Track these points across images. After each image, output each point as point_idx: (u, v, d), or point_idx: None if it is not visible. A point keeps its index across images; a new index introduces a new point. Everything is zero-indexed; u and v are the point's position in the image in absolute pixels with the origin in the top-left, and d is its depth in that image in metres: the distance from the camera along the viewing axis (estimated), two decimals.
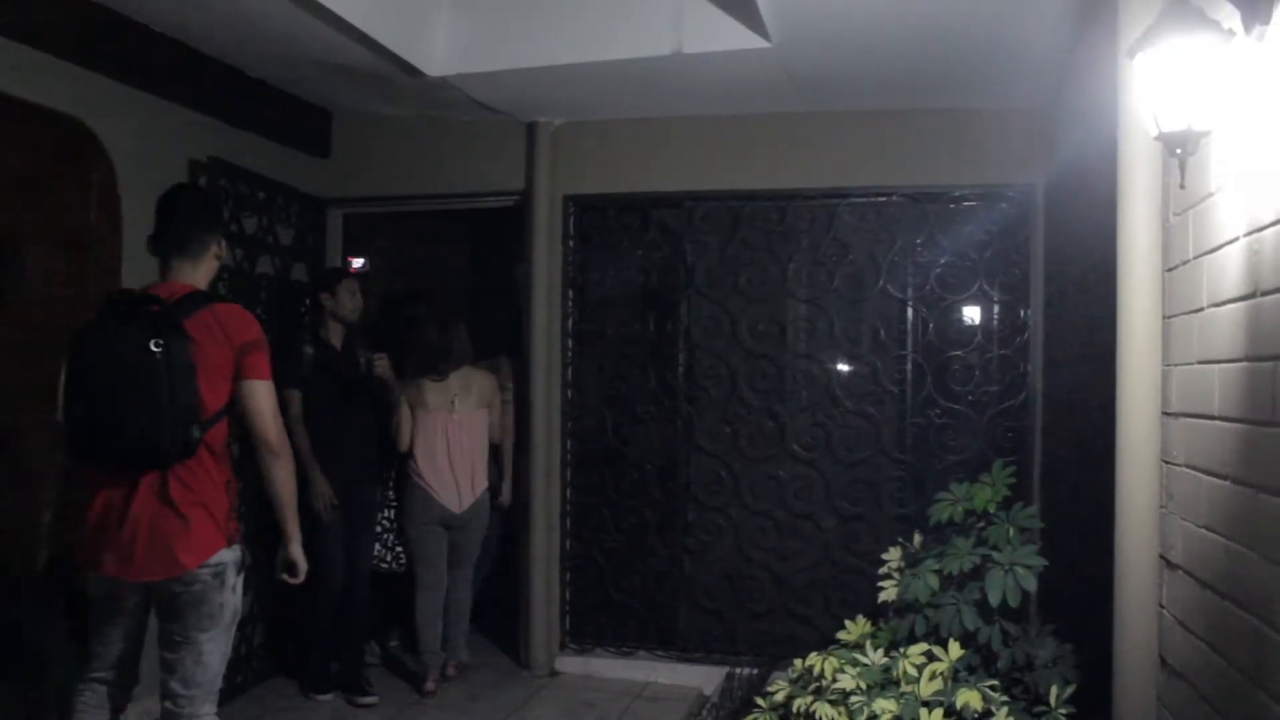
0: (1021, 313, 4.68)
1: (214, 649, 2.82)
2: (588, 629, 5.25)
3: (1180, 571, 2.56)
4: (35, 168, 3.73)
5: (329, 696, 4.67)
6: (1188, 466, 2.52)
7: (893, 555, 3.77)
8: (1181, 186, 2.40)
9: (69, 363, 2.73)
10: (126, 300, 2.81)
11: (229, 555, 2.83)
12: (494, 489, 5.05)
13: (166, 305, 2.78)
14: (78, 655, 2.93)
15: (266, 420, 2.89)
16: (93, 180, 3.97)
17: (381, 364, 4.59)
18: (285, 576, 3.05)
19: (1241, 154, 2.16)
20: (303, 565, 3.04)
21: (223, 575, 2.81)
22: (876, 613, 3.72)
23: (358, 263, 5.67)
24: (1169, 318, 2.68)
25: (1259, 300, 2.04)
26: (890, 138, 4.80)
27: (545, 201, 5.15)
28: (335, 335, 4.71)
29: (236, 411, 2.89)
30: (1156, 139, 2.33)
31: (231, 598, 2.84)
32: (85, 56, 3.78)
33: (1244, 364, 2.13)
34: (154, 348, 2.64)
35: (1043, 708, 2.99)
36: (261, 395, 2.88)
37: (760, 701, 3.42)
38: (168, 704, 2.81)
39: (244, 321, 2.90)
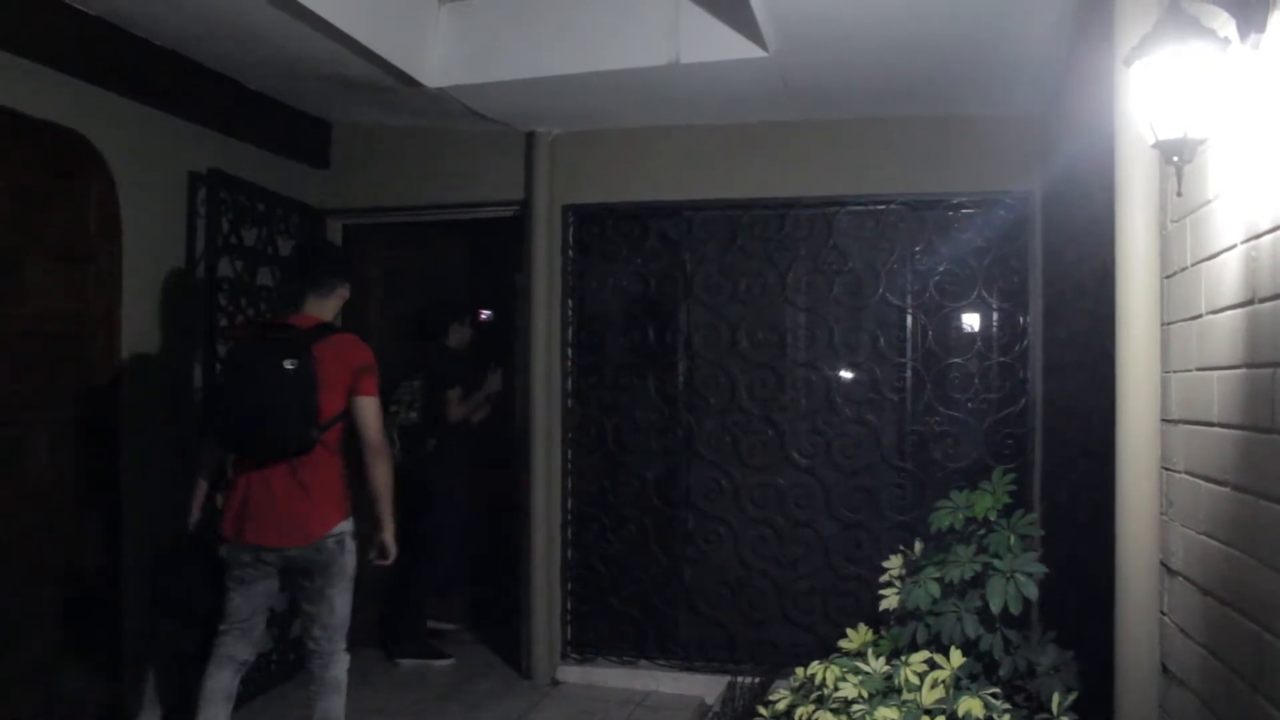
0: (1020, 319, 4.69)
1: (342, 600, 3.57)
2: (589, 638, 5.25)
3: (1181, 578, 2.56)
4: (35, 180, 3.74)
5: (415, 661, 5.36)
6: (1187, 473, 2.52)
7: (893, 563, 3.77)
8: (1179, 194, 2.41)
9: (222, 373, 3.52)
10: (269, 327, 3.60)
11: (346, 526, 3.57)
12: None
13: (300, 332, 3.50)
14: (216, 608, 3.57)
15: (371, 427, 3.59)
16: (92, 192, 3.98)
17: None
18: (376, 559, 3.69)
19: (1238, 161, 2.17)
20: (393, 550, 3.68)
21: (343, 542, 3.54)
22: (878, 620, 3.72)
23: (486, 313, 6.43)
24: (1168, 324, 2.68)
25: (1257, 307, 2.05)
26: (888, 145, 4.81)
27: (544, 211, 5.16)
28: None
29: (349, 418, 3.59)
30: (1153, 146, 2.33)
31: (351, 560, 3.57)
32: (84, 69, 3.80)
33: (1242, 370, 2.13)
34: (287, 365, 3.35)
35: (1045, 715, 2.99)
36: (369, 408, 3.59)
37: (762, 710, 3.41)
38: (310, 644, 3.58)
39: (360, 349, 3.63)
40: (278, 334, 3.51)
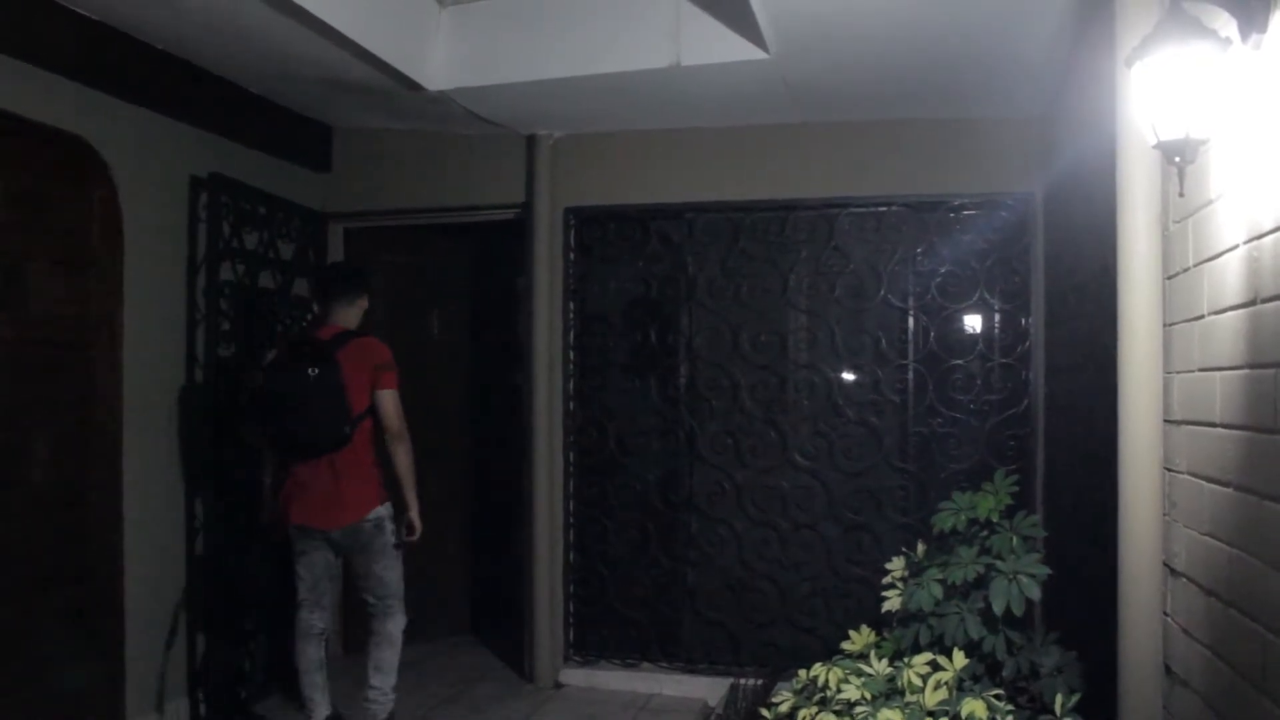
0: (1022, 321, 4.69)
1: (387, 573, 4.10)
2: (591, 641, 5.25)
3: (1184, 579, 2.56)
4: (36, 185, 3.74)
5: None
6: (1190, 474, 2.52)
7: (896, 565, 3.77)
8: (1181, 194, 2.41)
9: (265, 385, 4.00)
10: (299, 341, 4.10)
11: (383, 510, 4.08)
12: None
13: (324, 342, 4.00)
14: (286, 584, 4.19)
15: (392, 417, 4.06)
16: (94, 197, 3.98)
17: None
18: (405, 536, 4.13)
19: (1240, 162, 2.17)
20: (419, 527, 4.15)
21: (380, 524, 4.06)
22: (880, 622, 3.71)
23: None
24: (1170, 325, 2.68)
25: (1259, 307, 2.05)
26: (889, 147, 4.81)
27: (545, 214, 5.17)
28: None
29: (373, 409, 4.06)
30: (1155, 147, 2.33)
31: (390, 538, 4.08)
32: (86, 73, 3.80)
33: (1245, 371, 2.13)
34: (311, 373, 3.89)
35: (1048, 716, 2.98)
36: (388, 400, 4.06)
37: (765, 712, 3.41)
38: (369, 602, 4.14)
39: (378, 349, 4.09)
40: (306, 346, 4.00)
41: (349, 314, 4.17)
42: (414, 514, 4.13)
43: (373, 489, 4.06)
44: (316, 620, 4.12)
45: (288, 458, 4.04)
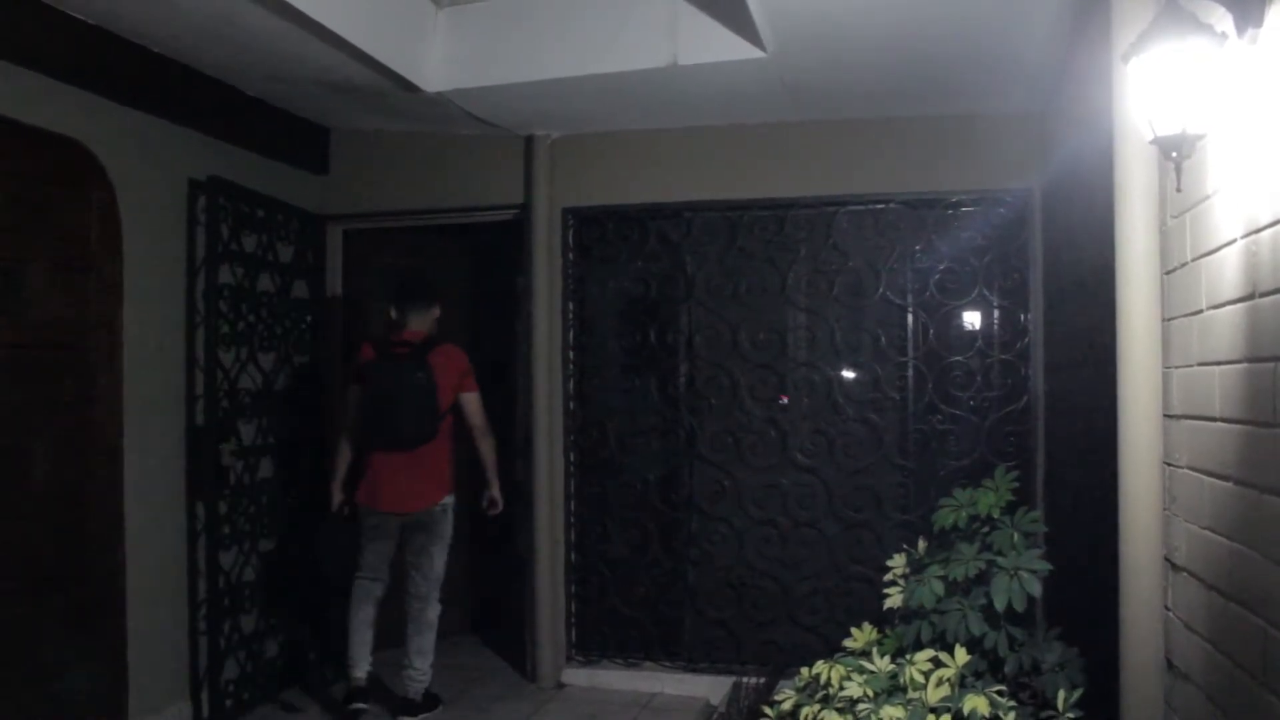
0: (1021, 317, 4.69)
1: (439, 556, 4.62)
2: (593, 641, 5.25)
3: (1185, 573, 2.56)
4: (35, 190, 3.74)
5: None
6: (1190, 468, 2.52)
7: (897, 562, 3.77)
8: (1178, 189, 2.41)
9: (363, 384, 4.50)
10: (390, 344, 4.53)
11: (449, 500, 4.64)
12: None
13: (416, 347, 4.49)
14: (354, 558, 4.60)
15: (477, 415, 4.69)
16: (93, 201, 3.98)
17: None
18: (488, 509, 4.79)
19: (1237, 156, 2.17)
20: (500, 502, 4.79)
21: (446, 510, 4.63)
22: (882, 619, 3.71)
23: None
24: (1168, 320, 2.68)
25: (1257, 301, 2.05)
26: (887, 145, 4.82)
27: (544, 214, 5.17)
28: None
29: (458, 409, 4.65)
30: (1152, 143, 2.34)
31: (449, 526, 4.64)
32: (83, 78, 3.81)
33: (1244, 365, 2.13)
34: (419, 377, 4.42)
35: (1050, 712, 2.99)
36: (473, 401, 4.67)
37: (767, 710, 3.41)
38: (411, 591, 4.61)
39: (462, 356, 4.65)
40: (398, 350, 4.48)
41: (424, 320, 4.63)
42: (495, 490, 4.75)
43: (446, 479, 4.63)
44: (375, 588, 4.59)
45: (380, 449, 4.50)
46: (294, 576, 4.99)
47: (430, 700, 4.65)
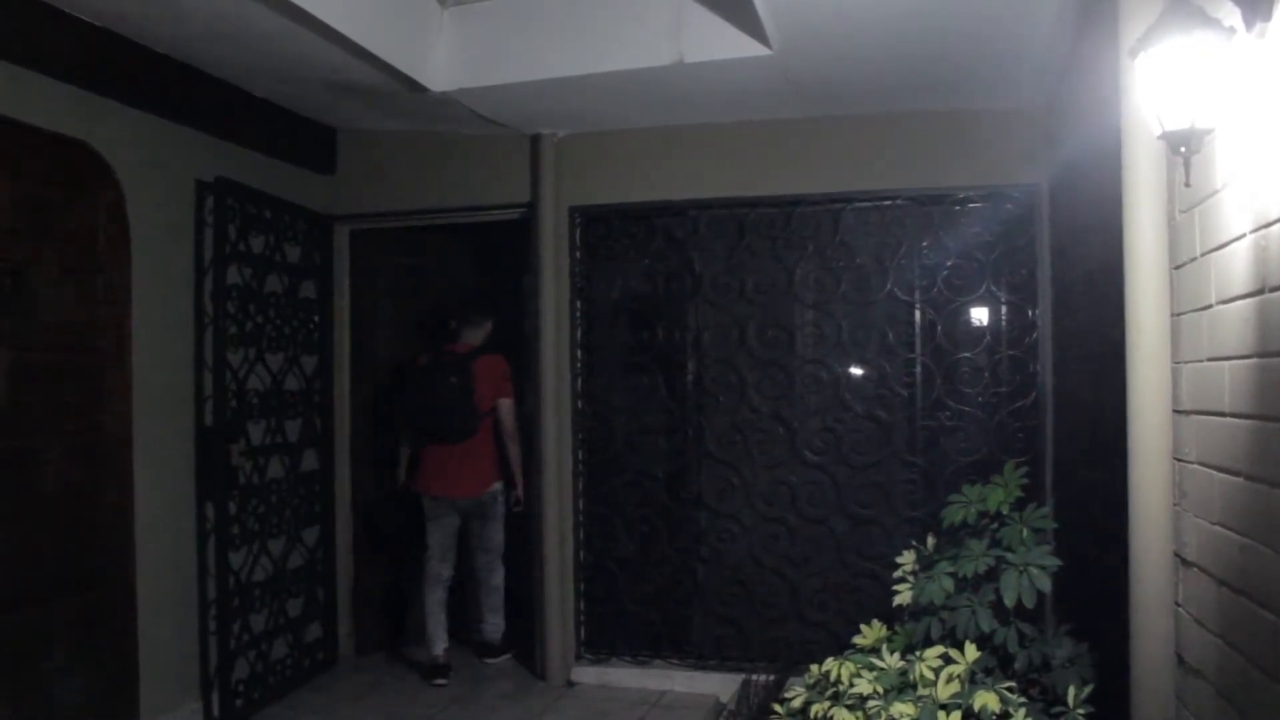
0: (1029, 313, 4.68)
1: (496, 534, 5.40)
2: (603, 639, 5.26)
3: (1195, 569, 2.56)
4: (43, 192, 3.75)
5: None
6: (1200, 463, 2.52)
7: (906, 558, 3.76)
8: (1186, 184, 2.41)
9: (411, 386, 5.21)
10: (441, 354, 5.25)
11: (498, 486, 5.36)
12: None
13: (460, 356, 5.23)
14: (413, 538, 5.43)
15: (508, 419, 5.33)
16: (101, 203, 4.00)
17: None
18: (515, 507, 5.41)
19: (1246, 151, 2.16)
20: (522, 500, 5.40)
21: (495, 496, 5.36)
22: (891, 616, 3.71)
23: None
24: (1177, 315, 2.68)
25: (1267, 296, 2.05)
26: (893, 141, 4.81)
27: (551, 213, 5.17)
28: None
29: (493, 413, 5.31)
30: (1160, 137, 2.33)
31: (501, 508, 5.39)
32: (91, 80, 3.82)
33: (1254, 360, 2.13)
34: (453, 380, 5.13)
35: (1061, 708, 2.98)
36: (506, 406, 5.31)
37: (777, 708, 3.41)
38: (477, 562, 5.42)
39: (502, 365, 5.33)
40: (445, 358, 5.21)
41: (476, 334, 5.38)
42: (520, 491, 5.38)
43: (491, 469, 5.30)
44: (444, 570, 5.27)
45: (428, 442, 5.23)
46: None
47: (506, 644, 5.49)
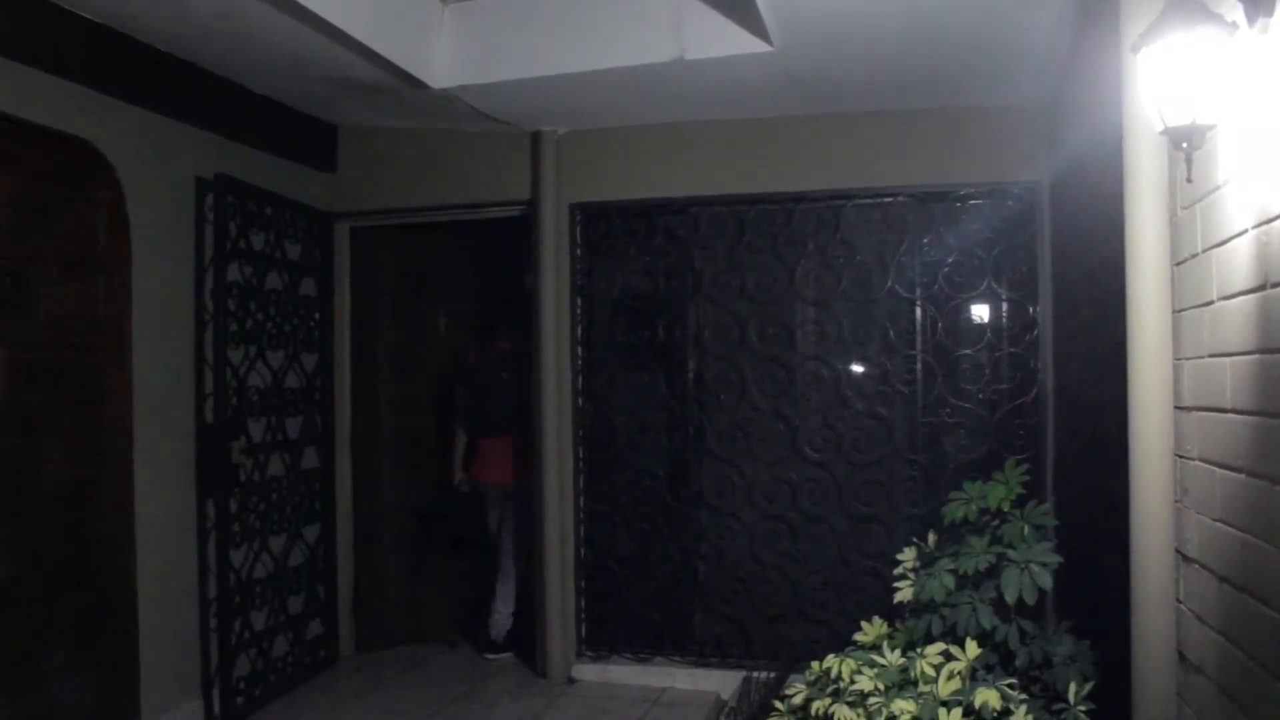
0: (1030, 310, 4.68)
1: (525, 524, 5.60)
2: (604, 636, 5.26)
3: (1196, 565, 2.56)
4: (44, 190, 3.75)
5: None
6: (1201, 460, 2.51)
7: (907, 555, 3.75)
8: (1188, 180, 2.40)
9: (463, 382, 5.72)
10: (487, 353, 5.70)
11: None
12: None
13: (506, 354, 5.66)
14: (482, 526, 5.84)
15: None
16: (102, 200, 4.00)
17: None
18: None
19: (1248, 147, 2.16)
20: None
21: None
22: (892, 613, 3.71)
23: None
24: (1179, 311, 2.67)
25: (1269, 292, 2.04)
26: (894, 138, 4.80)
27: (551, 210, 5.17)
28: None
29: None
30: (1162, 133, 2.33)
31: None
32: (91, 76, 3.81)
33: (1256, 356, 2.12)
34: (503, 375, 5.57)
35: (1062, 705, 2.98)
36: None
37: (778, 705, 3.41)
38: (502, 545, 5.67)
39: None
40: (492, 357, 5.64)
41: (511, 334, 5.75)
42: None
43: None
44: (506, 543, 5.65)
45: (479, 435, 5.68)
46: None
47: (508, 641, 5.59)
